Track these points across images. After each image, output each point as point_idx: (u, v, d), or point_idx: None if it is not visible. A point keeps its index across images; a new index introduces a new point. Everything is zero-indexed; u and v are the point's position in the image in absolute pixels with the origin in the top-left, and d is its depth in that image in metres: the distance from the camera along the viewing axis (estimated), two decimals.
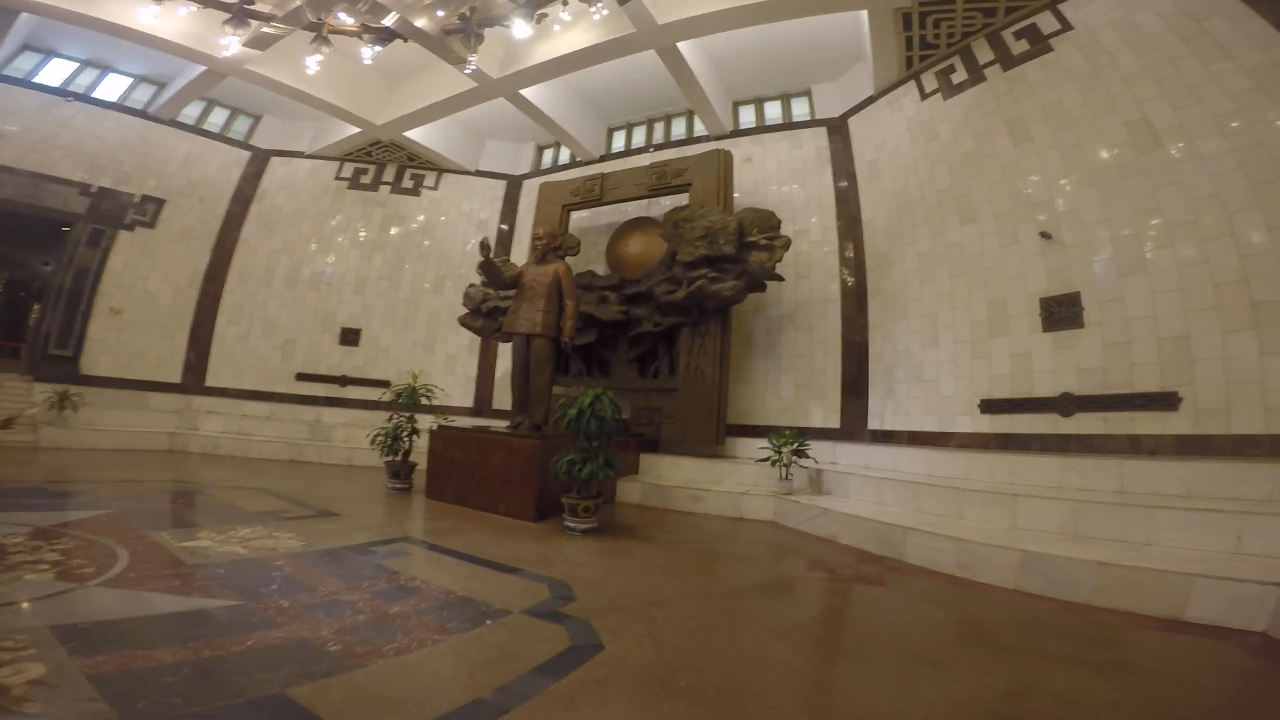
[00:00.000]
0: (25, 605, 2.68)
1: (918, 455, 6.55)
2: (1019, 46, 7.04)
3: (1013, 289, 6.40)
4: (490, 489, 5.99)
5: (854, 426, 7.59)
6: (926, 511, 5.47)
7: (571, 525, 5.22)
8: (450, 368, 10.39)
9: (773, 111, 9.71)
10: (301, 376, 10.56)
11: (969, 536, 4.43)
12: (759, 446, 6.86)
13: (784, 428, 7.60)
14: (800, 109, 9.53)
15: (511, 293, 7.17)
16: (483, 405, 10.13)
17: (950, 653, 2.92)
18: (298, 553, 4.11)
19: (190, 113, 11.27)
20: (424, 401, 7.08)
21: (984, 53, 7.40)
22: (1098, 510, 4.40)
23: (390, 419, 7.01)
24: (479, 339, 10.08)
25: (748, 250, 7.36)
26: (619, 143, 10.77)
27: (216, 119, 11.55)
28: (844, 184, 8.53)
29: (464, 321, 9.16)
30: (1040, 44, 6.84)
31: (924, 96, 7.91)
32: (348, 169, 11.53)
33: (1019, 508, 4.84)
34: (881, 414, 7.43)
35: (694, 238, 7.46)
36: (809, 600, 3.98)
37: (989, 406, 6.38)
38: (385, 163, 11.50)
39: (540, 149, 11.57)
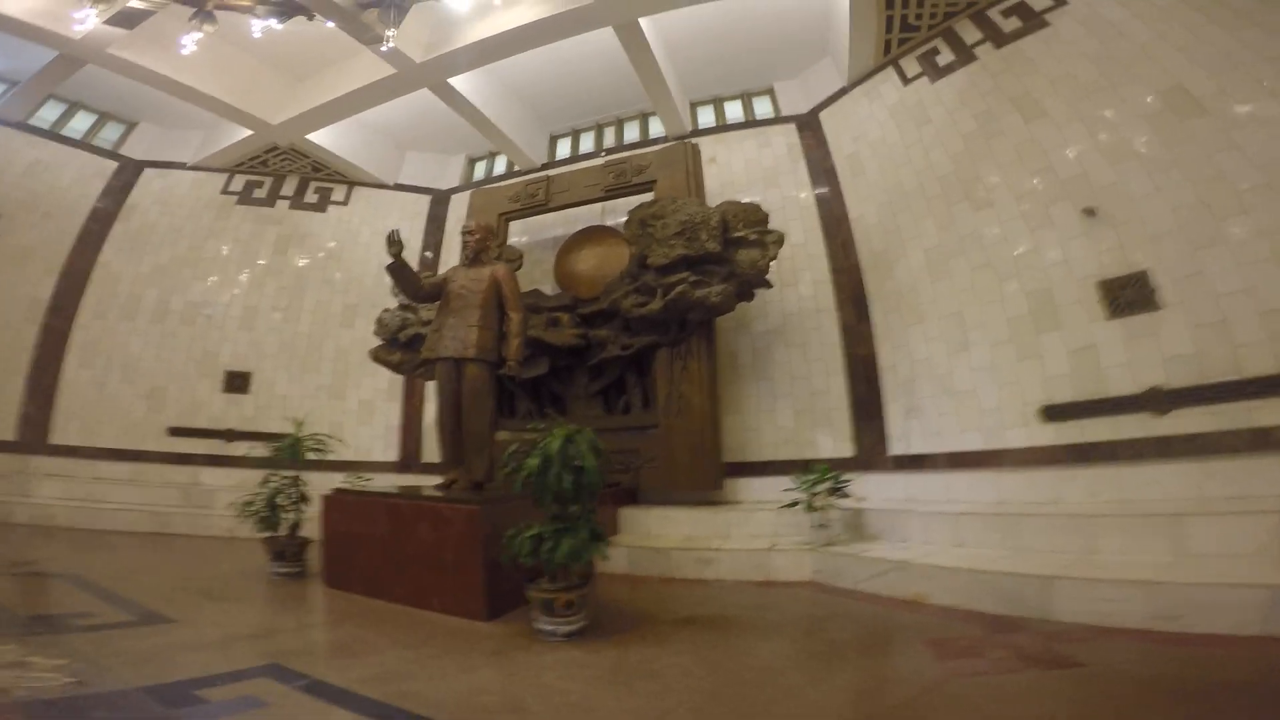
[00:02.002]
0: None
1: (977, 480, 5.10)
2: (1010, 24, 6.16)
3: (1056, 276, 5.15)
4: (416, 575, 3.96)
5: (871, 454, 6.03)
6: (1036, 549, 4.05)
7: (547, 628, 3.29)
8: (366, 417, 8.12)
9: (733, 111, 8.44)
10: (176, 431, 7.99)
11: (1160, 577, 3.14)
12: (783, 490, 5.14)
13: (791, 462, 6.00)
14: (763, 108, 8.30)
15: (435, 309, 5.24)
16: (410, 459, 7.90)
17: None
18: (45, 701, 2.15)
19: (47, 115, 8.81)
20: (315, 457, 4.92)
21: (969, 33, 6.46)
22: None
23: (265, 481, 4.79)
24: (399, 378, 7.91)
25: (734, 248, 5.78)
26: (564, 150, 9.14)
27: (79, 124, 9.06)
28: (823, 181, 7.22)
29: (378, 356, 7.00)
30: (1034, 20, 5.98)
31: (906, 82, 6.86)
32: (238, 181, 9.27)
33: (1186, 530, 3.52)
34: (906, 436, 5.91)
35: (668, 235, 5.82)
36: None
37: (1052, 414, 4.99)
38: (285, 173, 9.32)
39: (472, 161, 9.76)
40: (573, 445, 3.35)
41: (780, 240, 5.81)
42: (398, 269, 4.87)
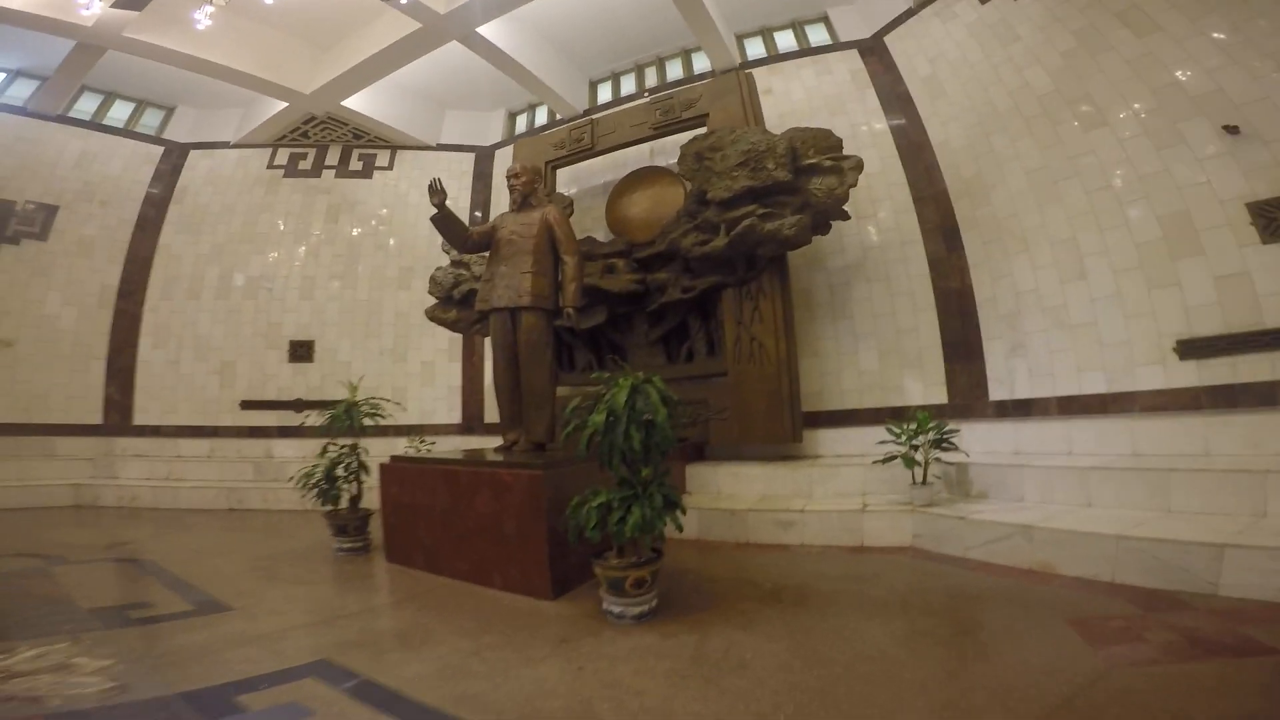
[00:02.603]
0: None
1: (1106, 428, 4.40)
2: None
3: (1196, 197, 4.28)
4: (477, 548, 3.60)
5: (968, 399, 5.29)
6: (1189, 511, 3.39)
7: (615, 609, 2.86)
8: (429, 378, 7.90)
9: (784, 41, 7.48)
10: (247, 404, 8.02)
11: None
12: (871, 442, 4.51)
13: (876, 410, 5.41)
14: (818, 36, 7.35)
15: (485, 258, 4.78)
16: (473, 421, 7.65)
17: None
18: (78, 713, 1.95)
19: (86, 108, 8.74)
20: (371, 422, 4.61)
21: None
22: None
23: (323, 451, 4.52)
24: (459, 337, 7.61)
25: (807, 177, 5.02)
26: (605, 95, 8.41)
27: (119, 114, 8.98)
28: (895, 106, 6.30)
29: (433, 315, 6.68)
30: None
31: (983, 0, 5.85)
32: (282, 155, 9.02)
33: None
34: (1010, 378, 5.13)
35: (729, 167, 5.12)
36: None
37: (1191, 349, 4.18)
38: (327, 143, 9.02)
39: (512, 115, 9.17)
40: (641, 396, 2.83)
41: (859, 166, 5.01)
42: (442, 219, 4.44)
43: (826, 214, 5.10)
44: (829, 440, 5.53)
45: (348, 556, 4.41)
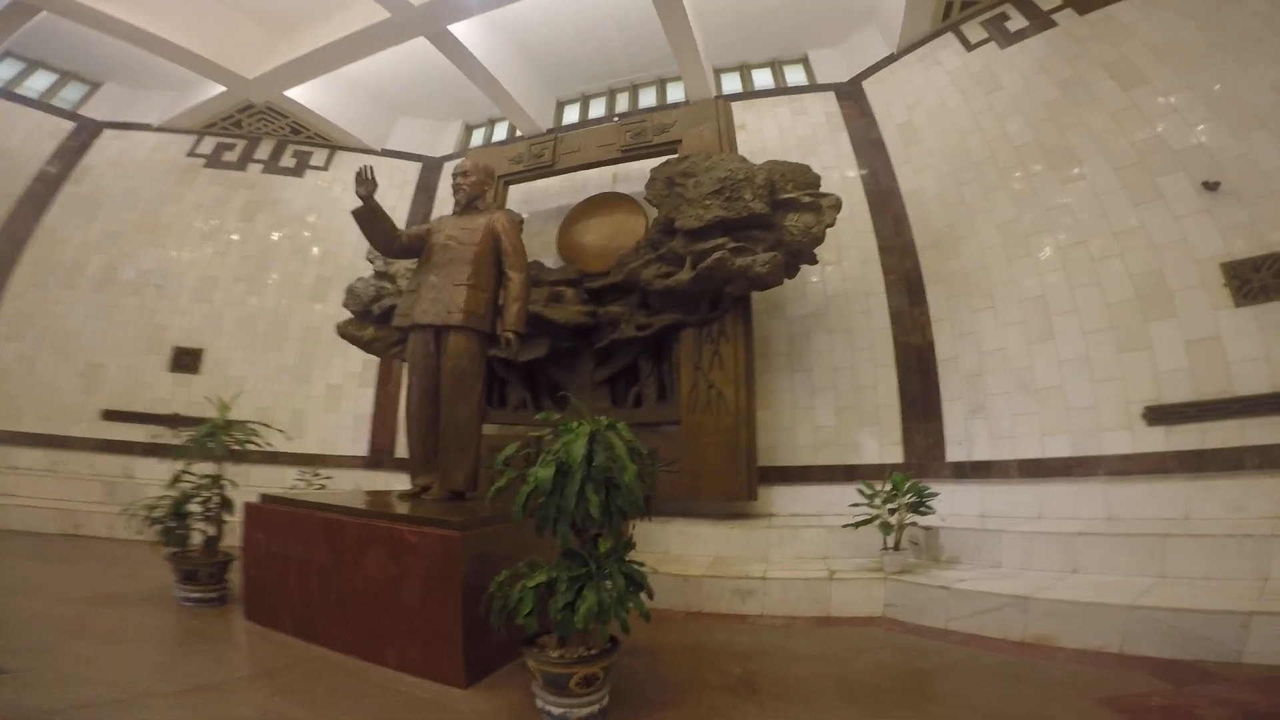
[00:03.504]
0: None
1: (1078, 493, 4.05)
2: None
3: (1171, 255, 4.10)
4: (365, 616, 2.67)
5: (925, 459, 4.85)
6: (1184, 577, 3.12)
7: (555, 711, 2.05)
8: (333, 403, 6.75)
9: (761, 79, 7.25)
10: (111, 415, 6.59)
11: None
12: (849, 504, 3.88)
13: (830, 468, 4.88)
14: (795, 76, 7.14)
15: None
16: (382, 454, 6.55)
17: None
18: None
19: (2, 74, 7.61)
20: (239, 448, 3.57)
21: None
22: None
23: (174, 481, 3.44)
24: (374, 360, 6.57)
25: (783, 212, 4.57)
26: (571, 117, 7.87)
27: (38, 84, 7.85)
28: (868, 152, 6.06)
29: (346, 331, 5.66)
30: None
31: (970, 48, 5.81)
32: (208, 144, 7.91)
33: None
34: (968, 440, 4.73)
35: (701, 195, 4.60)
36: None
37: (1160, 416, 3.93)
38: (260, 136, 7.97)
39: (469, 128, 8.46)
40: (601, 447, 2.10)
41: (838, 205, 4.61)
42: (367, 214, 3.65)
43: (799, 254, 4.64)
44: (784, 498, 4.92)
45: (195, 608, 3.33)
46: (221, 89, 7.38)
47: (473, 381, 3.48)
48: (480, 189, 3.97)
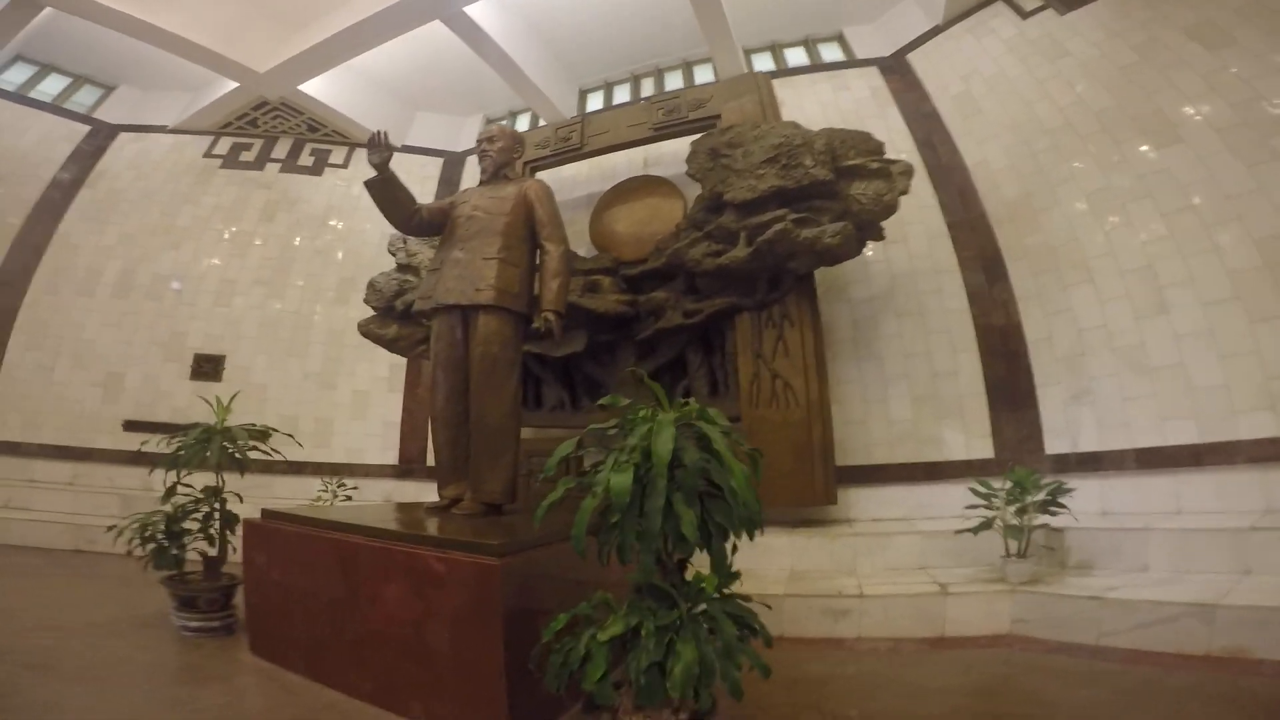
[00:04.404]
0: None
1: (1229, 482, 3.32)
2: None
3: None
4: (385, 661, 2.08)
5: (1018, 454, 4.12)
6: None
7: None
8: (360, 410, 6.20)
9: (795, 58, 6.63)
10: (131, 426, 6.11)
11: None
12: (966, 506, 3.22)
13: (910, 465, 4.26)
14: (831, 54, 6.51)
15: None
16: (412, 463, 5.97)
17: None
18: None
19: (14, 78, 7.28)
20: (251, 456, 3.02)
21: None
22: None
23: (168, 494, 2.90)
24: (402, 364, 6.02)
25: (847, 180, 3.91)
26: (595, 104, 7.29)
27: (51, 87, 7.53)
28: (923, 125, 5.40)
29: (368, 329, 5.09)
30: None
31: (1025, 16, 5.21)
32: (224, 144, 7.48)
33: None
34: (1072, 428, 4.02)
35: (753, 164, 3.98)
36: None
37: None
38: (277, 134, 7.53)
39: (490, 121, 7.93)
40: (692, 444, 1.47)
41: (909, 171, 3.96)
42: (381, 185, 3.10)
43: (867, 227, 3.98)
44: (862, 501, 4.24)
45: (196, 639, 2.79)
46: (234, 85, 6.95)
47: (507, 371, 2.88)
48: (509, 156, 3.39)
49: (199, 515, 2.94)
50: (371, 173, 3.09)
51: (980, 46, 5.39)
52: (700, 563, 1.62)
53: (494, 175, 3.36)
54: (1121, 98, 4.29)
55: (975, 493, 3.07)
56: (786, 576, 3.42)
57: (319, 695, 2.29)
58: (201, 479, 3.13)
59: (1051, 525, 3.11)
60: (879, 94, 5.76)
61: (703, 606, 1.48)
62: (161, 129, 7.55)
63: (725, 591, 1.57)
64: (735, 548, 1.57)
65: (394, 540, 2.10)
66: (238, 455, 2.94)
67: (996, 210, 4.71)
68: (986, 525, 3.00)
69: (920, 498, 4.19)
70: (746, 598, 1.60)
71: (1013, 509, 3.00)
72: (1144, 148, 4.09)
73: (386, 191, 3.10)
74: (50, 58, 7.45)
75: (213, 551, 2.93)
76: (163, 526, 2.82)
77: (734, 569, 1.61)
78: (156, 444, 3.30)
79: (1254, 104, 3.75)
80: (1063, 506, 3.00)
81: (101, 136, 7.39)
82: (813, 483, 3.74)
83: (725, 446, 1.48)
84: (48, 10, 6.19)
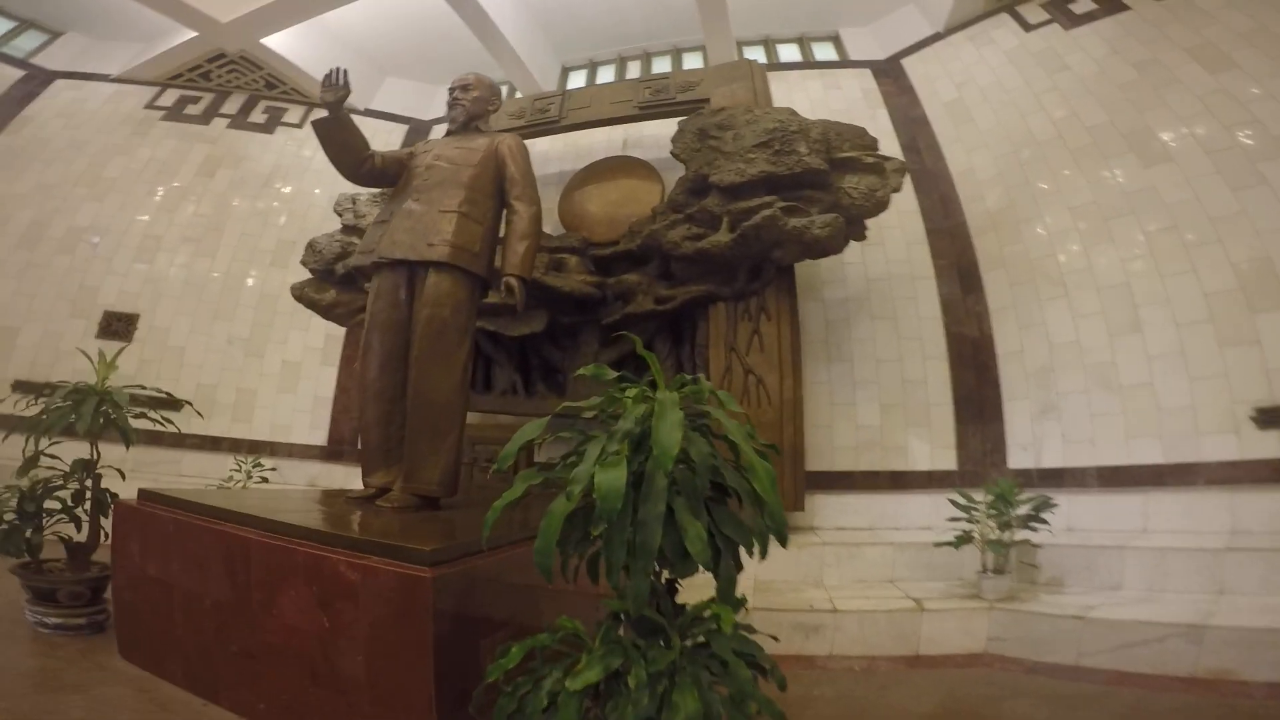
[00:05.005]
0: None
1: (1196, 502, 3.23)
2: None
3: (1278, 243, 3.39)
4: (284, 680, 1.59)
5: (981, 466, 3.97)
6: None
7: None
8: (289, 382, 5.50)
9: (788, 54, 6.43)
10: (21, 386, 5.23)
11: None
12: (947, 518, 3.01)
13: (873, 474, 4.03)
14: (825, 53, 6.34)
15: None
16: (343, 444, 5.34)
17: None
18: None
19: None
20: (121, 423, 2.47)
21: None
22: None
23: (25, 468, 2.33)
24: (340, 335, 5.39)
25: (840, 172, 3.64)
26: (577, 83, 6.85)
27: None
28: (910, 130, 5.26)
29: (302, 293, 4.48)
30: None
31: (1028, 28, 5.17)
32: (170, 97, 6.70)
33: None
34: (1036, 443, 3.88)
35: (744, 148, 3.66)
36: None
37: (1272, 419, 3.16)
38: (231, 89, 6.77)
39: None
40: (700, 434, 1.12)
41: (903, 169, 3.75)
42: (333, 125, 2.61)
43: (855, 222, 3.72)
44: (827, 509, 3.98)
45: (54, 638, 2.26)
46: (191, 35, 6.26)
47: (458, 340, 2.44)
48: (483, 107, 2.98)
49: (67, 493, 2.36)
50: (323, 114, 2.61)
51: (979, 55, 5.34)
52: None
53: (464, 126, 2.92)
54: (1115, 114, 4.25)
55: (956, 505, 2.87)
56: (751, 587, 3.10)
57: (200, 713, 1.84)
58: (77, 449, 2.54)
59: (1032, 541, 2.91)
60: (870, 96, 5.61)
61: (701, 639, 1.11)
62: (104, 78, 6.75)
63: (736, 624, 1.21)
64: (740, 566, 1.22)
65: (295, 537, 1.64)
66: (118, 423, 2.37)
67: (978, 220, 4.57)
68: (967, 539, 2.79)
69: (885, 507, 3.97)
70: (749, 627, 1.25)
71: (995, 523, 2.78)
72: (1133, 165, 4.03)
73: (336, 133, 2.62)
74: None
75: (80, 536, 2.35)
76: (14, 504, 2.22)
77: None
78: (25, 407, 2.69)
79: (1247, 127, 3.73)
80: (1044, 522, 2.82)
81: (35, 83, 6.59)
82: (781, 487, 3.42)
83: (744, 438, 1.13)
84: None
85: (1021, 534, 2.85)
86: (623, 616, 1.17)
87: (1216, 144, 3.76)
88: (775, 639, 1.42)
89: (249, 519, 1.75)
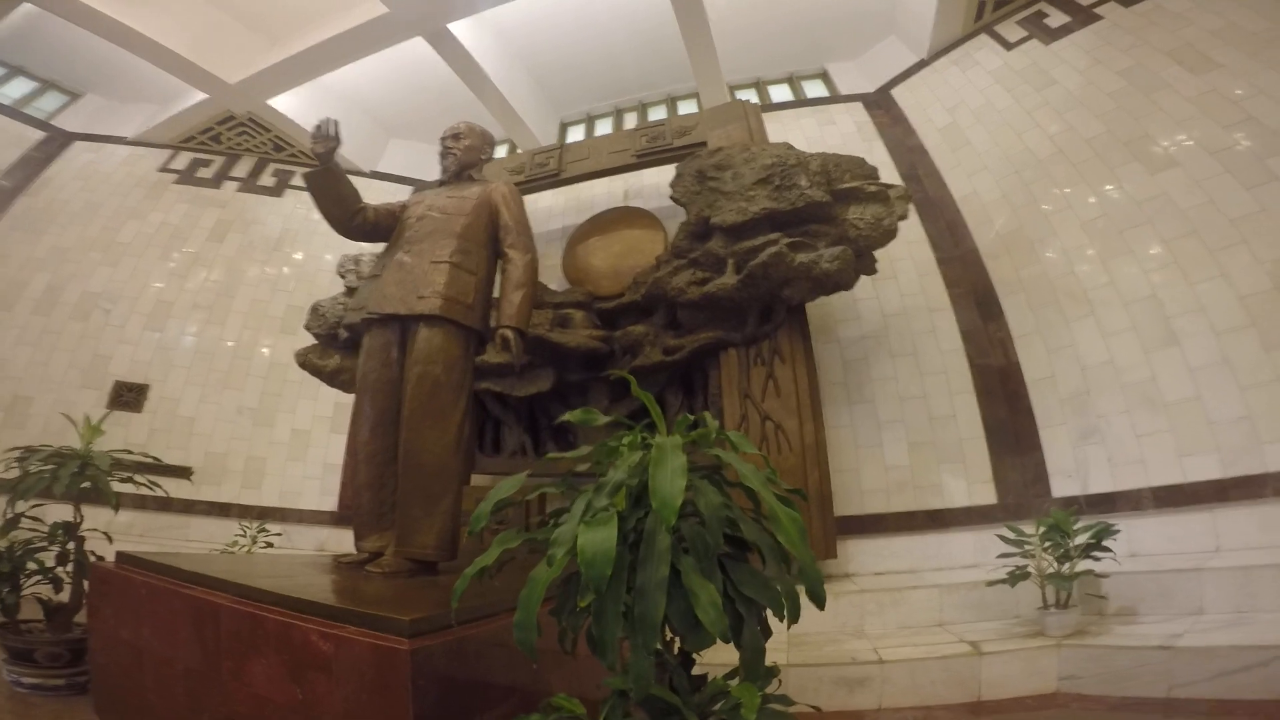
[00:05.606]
0: None
1: (1273, 517, 2.97)
2: None
3: None
4: None
5: (1023, 498, 3.76)
6: None
7: None
8: (299, 450, 5.49)
9: (779, 94, 6.59)
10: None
11: None
12: (998, 554, 2.82)
13: (908, 515, 3.89)
14: (815, 90, 6.49)
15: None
16: (351, 508, 5.24)
17: None
18: None
19: None
20: (101, 486, 2.43)
21: None
22: None
23: (6, 527, 2.30)
24: (348, 404, 5.35)
25: (843, 204, 3.61)
26: (576, 137, 7.06)
27: (14, 91, 7.07)
28: (908, 159, 5.29)
29: (306, 359, 4.47)
30: None
31: (1009, 47, 5.27)
32: (182, 159, 7.02)
33: None
34: (1080, 470, 3.66)
35: (744, 186, 3.67)
36: None
37: None
38: (240, 152, 7.09)
39: None
40: (709, 482, 1.01)
41: (907, 196, 3.70)
42: (325, 178, 2.63)
43: (864, 254, 3.66)
44: (861, 554, 3.75)
45: (32, 697, 2.19)
46: (202, 98, 6.61)
47: (451, 399, 2.36)
48: (475, 156, 3.01)
49: (50, 555, 2.31)
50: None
51: (966, 79, 5.43)
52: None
53: (457, 175, 2.95)
54: (1111, 124, 4.24)
55: (1005, 540, 2.66)
56: (785, 643, 2.86)
57: None
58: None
59: (1095, 571, 2.68)
60: (864, 128, 5.69)
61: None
62: (120, 140, 7.10)
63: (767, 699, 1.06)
64: (768, 632, 1.07)
65: (266, 602, 1.53)
66: (100, 486, 2.33)
67: (989, 244, 4.49)
68: (1023, 575, 2.57)
69: (924, 548, 3.76)
70: (783, 699, 1.10)
71: (1053, 555, 2.57)
72: (1138, 174, 3.98)
73: (327, 184, 2.66)
74: (19, 60, 7.04)
75: (60, 598, 2.28)
76: None
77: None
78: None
79: (1246, 125, 3.71)
80: (1108, 550, 2.60)
81: (55, 144, 6.90)
82: (811, 536, 3.22)
83: (762, 484, 1.01)
84: (22, 10, 5.86)
85: (1083, 564, 2.63)
86: (630, 694, 1.03)
87: (1218, 144, 3.75)
88: (817, 709, 1.25)
89: (220, 583, 1.63)
